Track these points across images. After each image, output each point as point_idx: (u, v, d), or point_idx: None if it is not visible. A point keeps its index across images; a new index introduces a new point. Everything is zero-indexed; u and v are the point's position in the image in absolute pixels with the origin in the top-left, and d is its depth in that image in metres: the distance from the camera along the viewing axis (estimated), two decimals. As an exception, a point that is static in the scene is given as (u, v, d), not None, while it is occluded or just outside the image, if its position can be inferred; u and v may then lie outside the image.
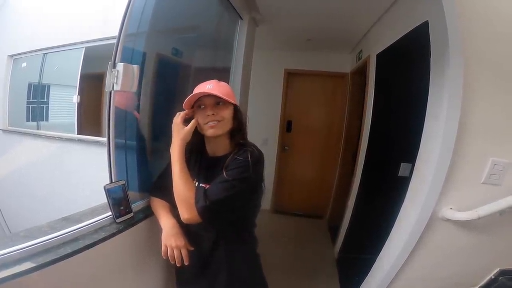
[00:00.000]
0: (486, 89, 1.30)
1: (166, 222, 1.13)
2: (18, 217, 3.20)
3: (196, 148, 1.17)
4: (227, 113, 1.08)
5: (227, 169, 1.03)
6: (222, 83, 1.13)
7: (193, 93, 1.06)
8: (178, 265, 1.09)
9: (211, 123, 1.05)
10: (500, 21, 1.28)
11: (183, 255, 1.08)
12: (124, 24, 1.05)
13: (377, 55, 2.53)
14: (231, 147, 1.13)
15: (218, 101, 1.07)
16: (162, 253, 1.10)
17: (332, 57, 3.83)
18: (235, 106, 1.12)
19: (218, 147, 1.13)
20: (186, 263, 1.09)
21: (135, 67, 1.07)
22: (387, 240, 1.69)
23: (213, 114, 1.05)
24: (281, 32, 3.17)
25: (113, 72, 1.02)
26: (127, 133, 1.19)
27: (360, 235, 2.70)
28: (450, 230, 1.42)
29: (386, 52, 2.32)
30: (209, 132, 1.07)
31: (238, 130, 1.14)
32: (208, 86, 1.06)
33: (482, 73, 1.28)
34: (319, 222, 4.07)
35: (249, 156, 1.04)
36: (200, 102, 1.08)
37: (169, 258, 1.09)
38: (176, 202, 1.03)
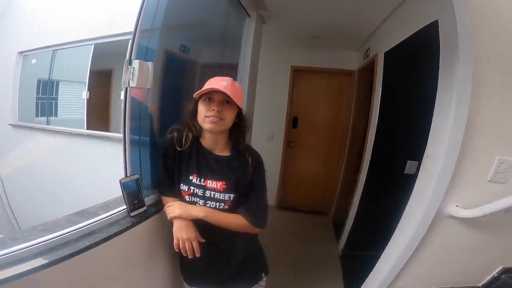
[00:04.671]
0: (494, 88, 1.30)
1: None
2: (27, 212, 3.26)
3: (191, 141, 1.18)
4: (231, 114, 1.12)
5: (256, 180, 1.17)
6: (237, 84, 1.14)
7: (208, 87, 1.07)
8: (190, 257, 1.12)
9: (213, 118, 1.07)
10: (510, 19, 1.28)
11: (194, 247, 1.11)
12: (140, 21, 1.07)
13: (385, 53, 2.53)
14: (232, 148, 1.19)
15: (227, 100, 1.09)
16: (174, 246, 1.13)
17: (339, 54, 3.83)
18: (240, 109, 1.16)
19: (216, 144, 1.18)
20: (197, 255, 1.12)
21: (150, 64, 1.09)
22: (392, 236, 1.70)
23: (218, 110, 1.07)
24: (288, 29, 3.17)
25: (129, 69, 1.04)
26: (141, 129, 1.22)
27: (364, 232, 2.72)
28: (455, 228, 1.43)
29: (394, 51, 2.32)
30: (207, 126, 1.09)
31: (237, 131, 1.19)
32: (223, 83, 1.07)
33: (491, 71, 1.28)
34: (324, 219, 4.09)
35: (261, 159, 1.21)
36: (210, 95, 1.10)
37: (181, 250, 1.12)
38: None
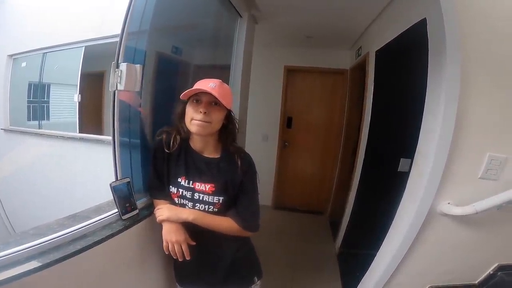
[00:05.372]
0: (482, 85, 1.31)
1: None
2: (21, 216, 3.23)
3: (179, 143, 1.17)
4: (219, 116, 1.10)
5: (246, 183, 1.16)
6: (226, 85, 1.13)
7: (195, 88, 1.07)
8: (180, 259, 1.12)
9: (199, 121, 1.06)
10: (497, 19, 1.29)
11: (183, 250, 1.11)
12: (127, 23, 1.06)
13: (376, 51, 2.54)
14: (222, 150, 1.18)
15: (214, 102, 1.08)
16: (164, 248, 1.13)
17: (332, 54, 3.85)
18: (229, 111, 1.15)
19: (205, 146, 1.17)
20: (187, 257, 1.12)
21: (138, 67, 1.09)
22: (387, 235, 1.71)
23: (205, 112, 1.06)
24: (281, 29, 3.18)
25: (117, 72, 1.03)
26: (131, 131, 1.21)
27: (360, 231, 2.72)
28: (448, 225, 1.44)
29: (385, 49, 2.33)
30: (194, 128, 1.08)
31: (226, 133, 1.18)
32: (211, 85, 1.06)
33: (479, 70, 1.29)
34: (320, 218, 4.10)
35: (252, 161, 1.19)
36: (197, 97, 1.09)
37: (171, 253, 1.12)
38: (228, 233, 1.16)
